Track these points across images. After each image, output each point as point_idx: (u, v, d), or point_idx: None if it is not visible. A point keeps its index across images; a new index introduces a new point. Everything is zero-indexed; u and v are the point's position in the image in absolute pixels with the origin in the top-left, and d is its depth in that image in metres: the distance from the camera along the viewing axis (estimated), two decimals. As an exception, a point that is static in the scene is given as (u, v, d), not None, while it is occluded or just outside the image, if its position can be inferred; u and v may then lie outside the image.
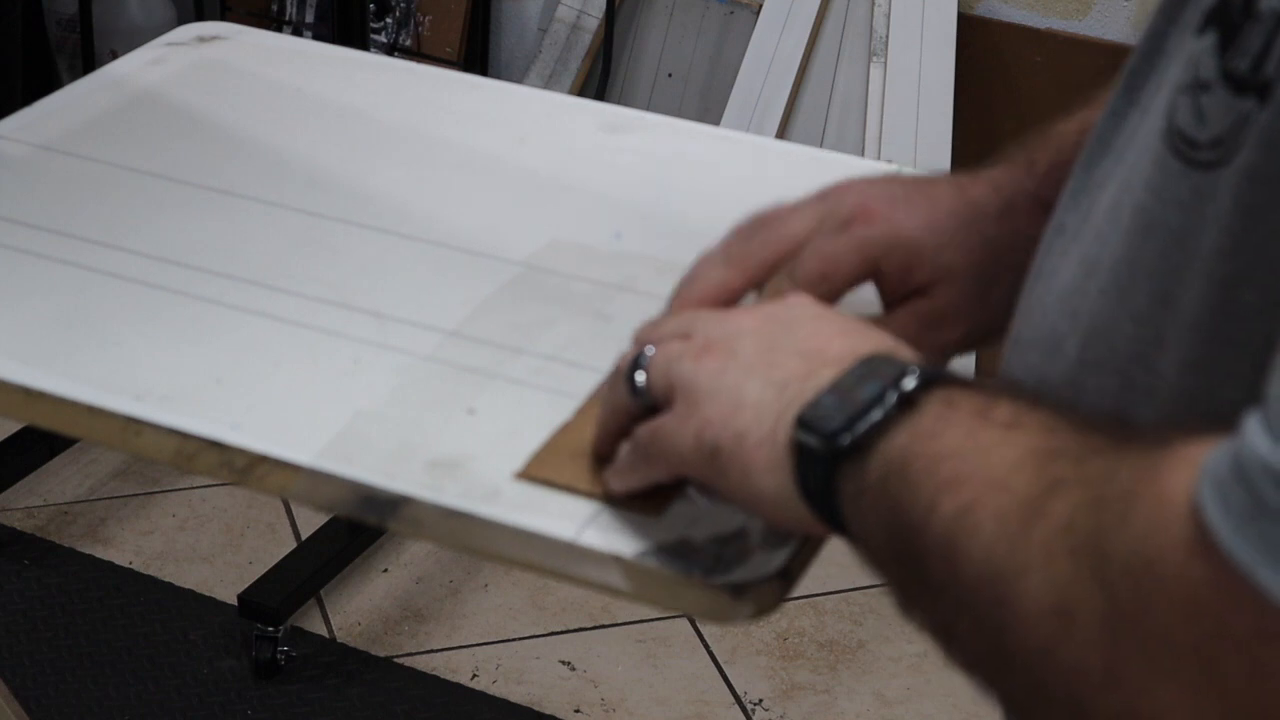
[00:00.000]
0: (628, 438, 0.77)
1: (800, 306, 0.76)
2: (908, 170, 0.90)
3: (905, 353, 0.70)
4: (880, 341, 0.72)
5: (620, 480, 0.77)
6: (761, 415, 0.70)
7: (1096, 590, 0.55)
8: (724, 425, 0.71)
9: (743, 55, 2.63)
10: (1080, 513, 0.57)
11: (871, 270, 0.86)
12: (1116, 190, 0.68)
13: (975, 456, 0.62)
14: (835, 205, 0.86)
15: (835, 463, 0.67)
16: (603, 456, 0.79)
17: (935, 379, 0.67)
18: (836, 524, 0.68)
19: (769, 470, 0.69)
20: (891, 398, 0.66)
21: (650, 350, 0.76)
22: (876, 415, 0.66)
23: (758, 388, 0.71)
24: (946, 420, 0.64)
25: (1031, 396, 0.65)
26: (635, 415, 0.76)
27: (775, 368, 0.71)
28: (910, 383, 0.66)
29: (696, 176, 1.09)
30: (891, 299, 0.87)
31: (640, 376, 0.75)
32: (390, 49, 2.92)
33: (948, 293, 0.86)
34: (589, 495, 0.78)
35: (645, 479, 0.76)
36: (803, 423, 0.68)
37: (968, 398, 0.65)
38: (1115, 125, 0.72)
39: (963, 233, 0.86)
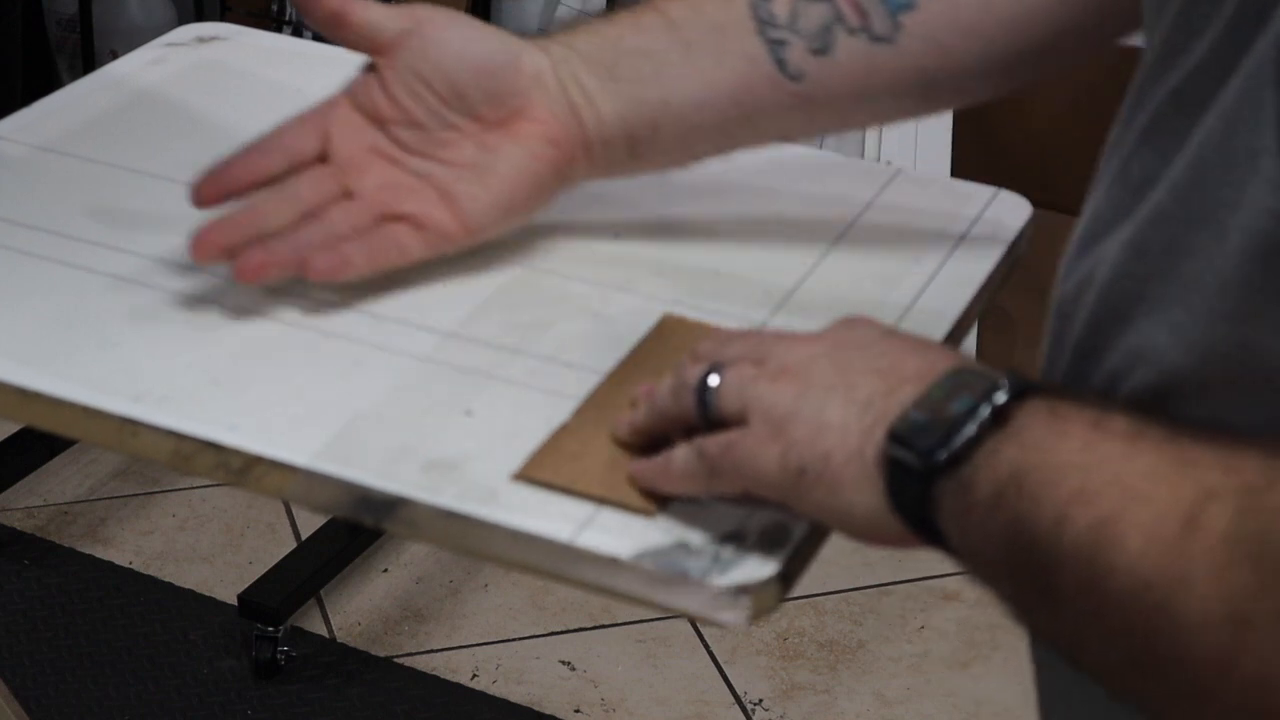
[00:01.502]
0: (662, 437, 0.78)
1: (867, 328, 0.76)
2: None
3: (987, 368, 0.70)
4: (955, 357, 0.72)
5: (676, 485, 0.77)
6: (847, 435, 0.70)
7: (1277, 598, 0.55)
8: (809, 446, 0.71)
9: (743, 55, 2.63)
10: (1244, 521, 0.57)
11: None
12: (1201, 183, 0.65)
13: (1103, 468, 0.62)
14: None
15: (931, 478, 0.67)
16: (628, 446, 0.80)
17: (1026, 390, 0.67)
18: (930, 536, 0.69)
19: (857, 488, 0.70)
20: (985, 411, 0.66)
21: (719, 371, 0.76)
22: (971, 430, 0.66)
23: (840, 408, 0.71)
24: (1059, 432, 0.64)
25: (1140, 407, 0.65)
26: (689, 426, 0.77)
27: (855, 388, 0.72)
28: (1001, 396, 0.66)
29: (695, 176, 1.08)
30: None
31: (711, 395, 0.75)
32: (391, 49, 2.92)
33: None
34: (587, 496, 0.78)
35: (707, 490, 0.76)
36: (896, 438, 0.68)
37: (1075, 409, 0.65)
38: (1160, 74, 0.69)
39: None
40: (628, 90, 0.93)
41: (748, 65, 0.93)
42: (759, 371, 0.75)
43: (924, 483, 0.67)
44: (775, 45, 0.92)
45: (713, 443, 0.75)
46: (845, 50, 0.92)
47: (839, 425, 0.71)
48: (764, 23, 0.92)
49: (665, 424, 0.79)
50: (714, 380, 0.76)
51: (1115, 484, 0.61)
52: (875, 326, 0.76)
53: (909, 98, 0.95)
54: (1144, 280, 0.67)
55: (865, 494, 0.70)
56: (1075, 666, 0.64)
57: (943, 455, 0.66)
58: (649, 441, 0.79)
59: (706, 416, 0.76)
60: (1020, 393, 0.66)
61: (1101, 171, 0.75)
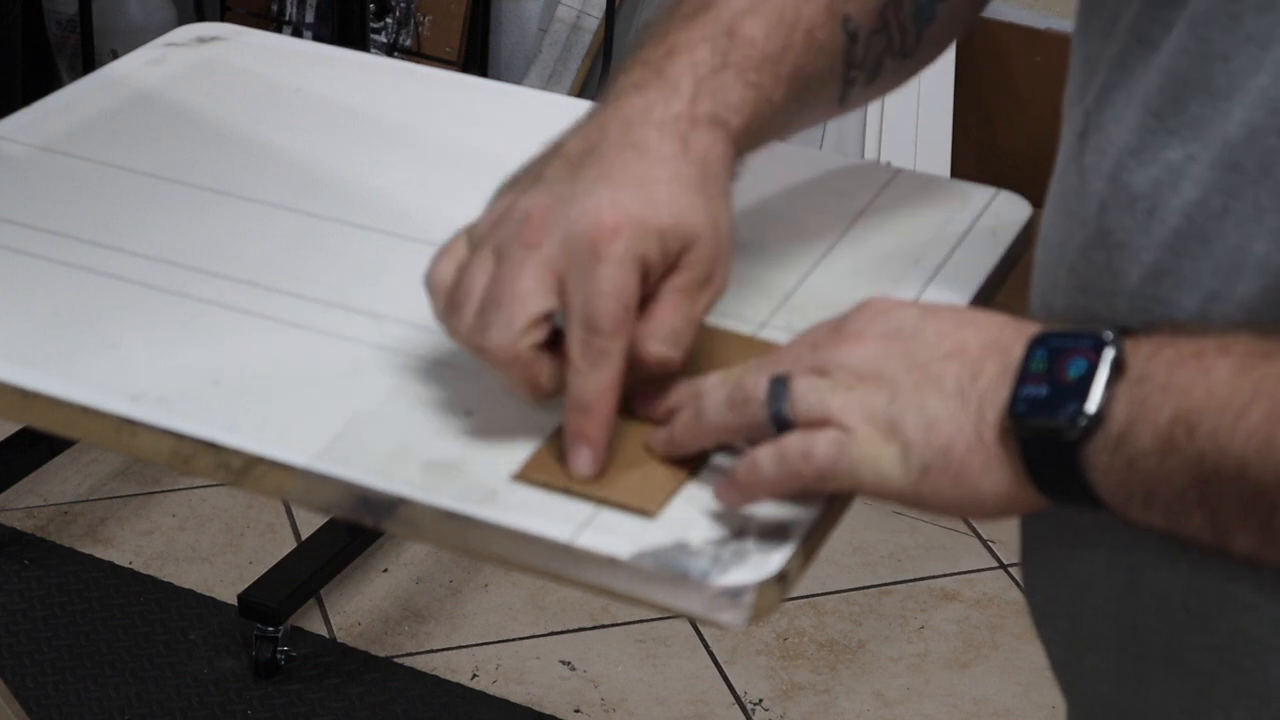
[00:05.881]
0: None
1: (900, 312, 0.77)
2: (606, 145, 0.83)
3: (1066, 326, 0.73)
4: (1006, 321, 0.75)
5: (771, 491, 0.76)
6: (960, 425, 0.72)
7: None
8: (926, 444, 0.73)
9: (743, 55, 2.62)
10: None
11: (643, 274, 0.81)
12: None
13: (1274, 381, 0.66)
14: (562, 241, 0.80)
15: (1081, 444, 0.69)
16: (675, 459, 0.80)
17: (1123, 335, 0.70)
18: (1072, 498, 0.71)
19: (985, 472, 0.72)
20: (1105, 368, 0.69)
21: (784, 382, 0.76)
22: (1100, 389, 0.69)
23: (937, 401, 0.73)
24: (1199, 370, 0.68)
25: (1237, 328, 0.69)
26: (744, 435, 0.77)
27: (939, 380, 0.73)
28: (1111, 351, 0.69)
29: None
30: (651, 288, 0.82)
31: (784, 405, 0.75)
32: (390, 49, 2.92)
33: (698, 256, 0.82)
34: (587, 497, 0.78)
35: (804, 493, 0.76)
36: (1022, 416, 0.70)
37: (1189, 342, 0.69)
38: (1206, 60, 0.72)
39: (696, 195, 0.82)
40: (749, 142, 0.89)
41: (821, 108, 0.93)
42: (832, 380, 0.75)
43: (1074, 449, 0.69)
44: (847, 85, 0.93)
45: (822, 443, 0.74)
46: (885, 72, 0.95)
47: (947, 418, 0.72)
48: (849, 65, 0.92)
49: (716, 438, 0.79)
50: (781, 391, 0.76)
51: None
52: (906, 308, 0.77)
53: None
54: (1235, 194, 0.70)
55: (994, 476, 0.72)
56: None
57: (1084, 421, 0.69)
58: (682, 456, 0.80)
59: (779, 426, 0.76)
60: (1120, 339, 0.70)
61: (1102, 91, 0.77)
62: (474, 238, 0.83)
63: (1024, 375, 0.71)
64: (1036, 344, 0.72)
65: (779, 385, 0.76)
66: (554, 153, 0.84)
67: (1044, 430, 0.70)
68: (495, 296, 0.79)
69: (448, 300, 0.82)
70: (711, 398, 0.79)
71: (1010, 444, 0.71)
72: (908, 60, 0.95)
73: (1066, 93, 0.83)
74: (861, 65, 0.92)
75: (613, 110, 0.84)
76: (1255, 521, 0.67)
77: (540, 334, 0.79)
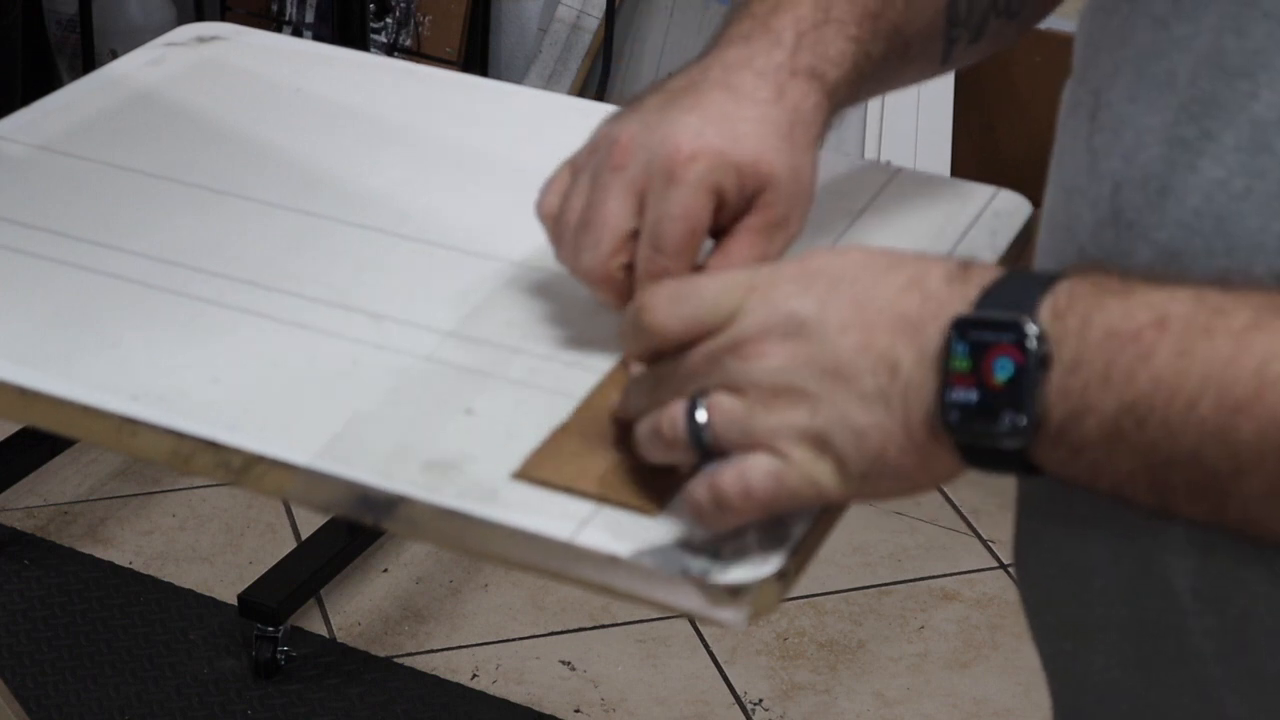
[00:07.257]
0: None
1: (783, 302, 0.73)
2: (676, 86, 0.88)
3: (975, 306, 0.70)
4: (896, 278, 0.72)
5: (724, 523, 0.74)
6: (888, 432, 0.70)
7: None
8: (858, 454, 0.71)
9: (743, 55, 2.62)
10: None
11: (717, 204, 0.85)
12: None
13: (1228, 367, 0.64)
14: (645, 164, 0.85)
15: (1025, 448, 0.68)
16: (631, 447, 0.79)
17: (1046, 287, 0.68)
18: (1015, 475, 0.70)
19: (925, 468, 0.71)
20: (1035, 365, 0.67)
21: (699, 406, 0.74)
22: (1033, 388, 0.67)
23: (859, 411, 0.71)
24: (1140, 355, 0.65)
25: (1171, 285, 0.67)
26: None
27: (855, 380, 0.71)
28: (1034, 333, 0.67)
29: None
30: (726, 223, 0.86)
31: (705, 433, 0.73)
32: (390, 49, 2.93)
33: (776, 198, 0.86)
34: (587, 495, 0.78)
35: (754, 516, 0.74)
36: (958, 425, 0.69)
37: (1120, 307, 0.66)
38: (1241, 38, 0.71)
39: (782, 140, 0.86)
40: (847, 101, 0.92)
41: (923, 65, 0.95)
42: (749, 401, 0.73)
43: (1017, 454, 0.68)
44: (950, 44, 0.94)
45: (759, 475, 0.72)
46: (990, 32, 0.95)
47: (873, 426, 0.71)
48: (950, 23, 0.93)
49: (666, 463, 0.77)
50: (701, 416, 0.73)
51: (1256, 377, 0.63)
52: (799, 296, 0.73)
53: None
54: (1261, 176, 0.69)
55: (931, 468, 0.71)
56: (1257, 541, 0.67)
57: (1023, 426, 0.67)
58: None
59: (705, 453, 0.74)
60: (1039, 324, 0.67)
61: (1114, 70, 0.76)
62: (575, 166, 0.89)
63: (948, 375, 0.69)
64: (954, 335, 0.69)
65: (696, 413, 0.73)
66: (656, 87, 0.89)
67: (982, 437, 0.68)
68: (586, 220, 0.86)
69: (553, 228, 0.89)
70: (641, 430, 0.77)
71: (943, 437, 0.70)
72: (1013, 20, 0.95)
73: (1072, 75, 0.82)
74: (965, 23, 0.93)
75: (718, 55, 0.88)
76: (1205, 504, 0.66)
77: (629, 254, 0.85)
